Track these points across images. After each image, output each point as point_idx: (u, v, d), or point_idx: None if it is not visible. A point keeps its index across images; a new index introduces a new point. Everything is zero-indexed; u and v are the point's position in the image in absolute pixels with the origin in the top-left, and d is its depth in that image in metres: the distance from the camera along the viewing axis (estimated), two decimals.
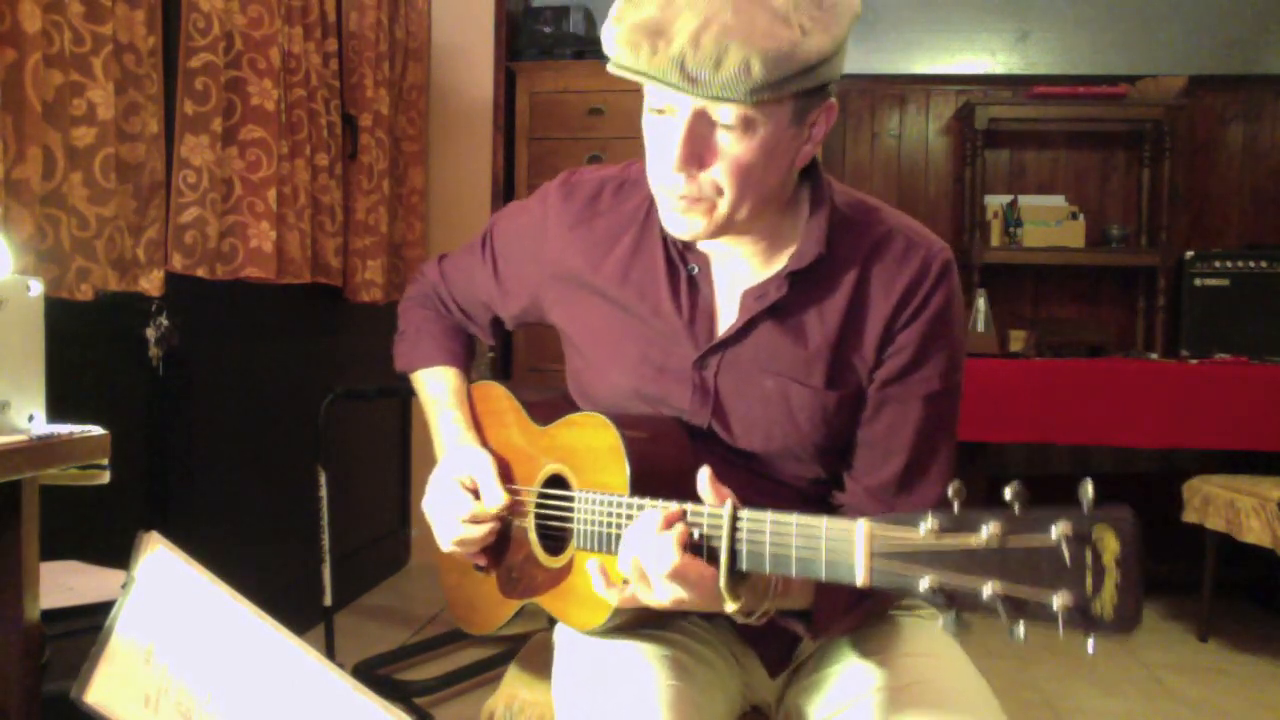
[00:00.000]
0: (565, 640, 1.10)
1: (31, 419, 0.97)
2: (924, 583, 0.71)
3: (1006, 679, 2.60)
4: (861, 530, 0.76)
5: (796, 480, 1.09)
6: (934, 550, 0.72)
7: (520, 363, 3.73)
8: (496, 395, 1.25)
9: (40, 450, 0.95)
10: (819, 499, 1.09)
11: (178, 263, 2.14)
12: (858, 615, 1.04)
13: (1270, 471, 2.91)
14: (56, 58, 1.74)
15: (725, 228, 0.99)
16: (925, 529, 0.72)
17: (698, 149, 0.93)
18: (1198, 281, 3.74)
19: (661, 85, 0.91)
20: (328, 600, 2.31)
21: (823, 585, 0.94)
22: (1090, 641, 0.67)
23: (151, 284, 2.04)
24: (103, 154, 1.85)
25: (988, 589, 0.69)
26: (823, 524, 0.79)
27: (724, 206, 0.96)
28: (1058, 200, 3.96)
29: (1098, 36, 4.00)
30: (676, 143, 0.93)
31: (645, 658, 1.00)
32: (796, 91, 0.91)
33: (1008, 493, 0.70)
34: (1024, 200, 3.92)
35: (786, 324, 1.05)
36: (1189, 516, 2.92)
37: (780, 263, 1.05)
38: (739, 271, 1.07)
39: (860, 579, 0.76)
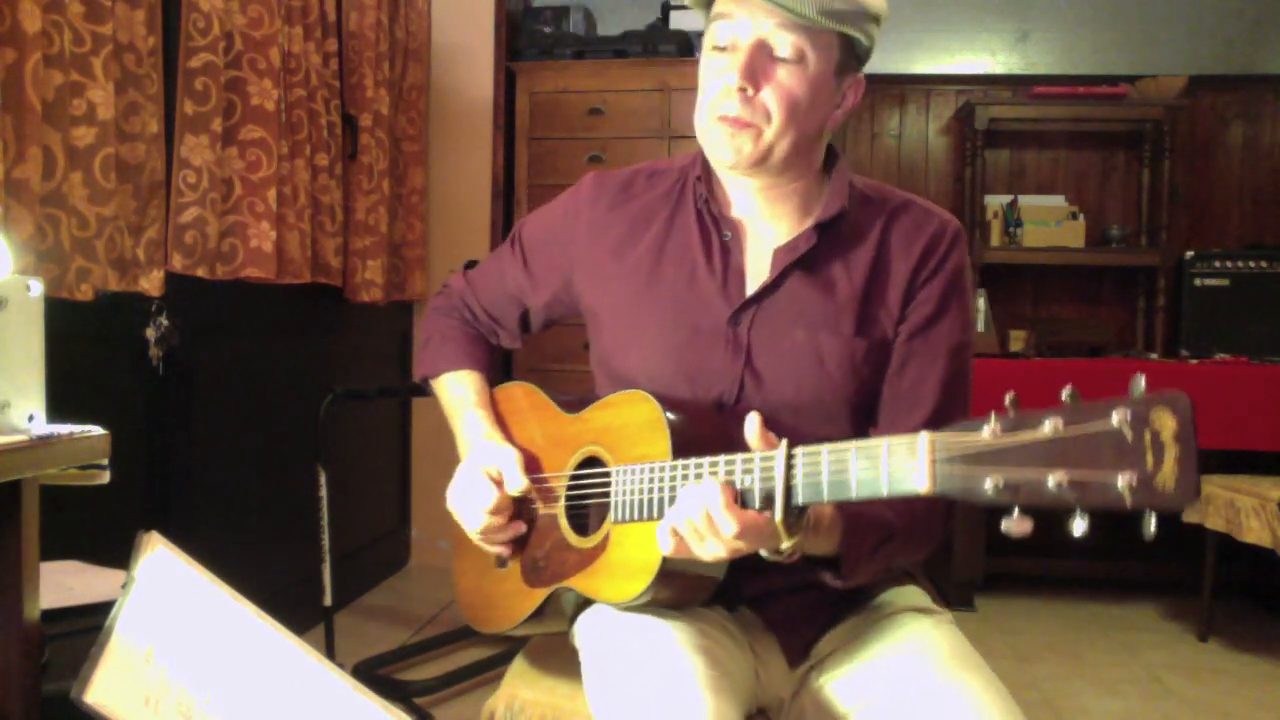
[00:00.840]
0: (591, 633, 1.10)
1: (31, 419, 0.97)
2: (988, 481, 0.74)
3: (1006, 679, 2.58)
4: (924, 438, 0.79)
5: (826, 441, 1.10)
6: (997, 449, 0.74)
7: (520, 363, 3.73)
8: (518, 394, 1.27)
9: (40, 450, 0.95)
10: None
11: (178, 263, 2.14)
12: (882, 559, 1.06)
13: (1270, 471, 2.91)
14: (56, 58, 1.74)
15: (766, 157, 1.08)
16: (988, 430, 0.75)
17: (757, 71, 1.05)
18: (1198, 281, 3.74)
19: None
20: (328, 600, 2.31)
21: (851, 526, 0.99)
22: (1152, 520, 0.69)
23: (151, 284, 2.04)
24: (103, 154, 1.85)
25: (1053, 478, 0.71)
26: (884, 441, 0.82)
27: (769, 134, 1.07)
28: (1058, 200, 3.96)
29: (1098, 36, 4.00)
30: (740, 62, 1.05)
31: (680, 645, 1.00)
32: (844, 36, 1.06)
33: (1064, 394, 0.74)
34: (1024, 200, 3.92)
35: (816, 277, 1.12)
36: (1189, 516, 2.92)
37: (807, 226, 1.14)
38: (770, 236, 1.15)
39: (925, 485, 0.78)
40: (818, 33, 1.05)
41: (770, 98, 1.05)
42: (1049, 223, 3.88)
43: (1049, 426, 0.72)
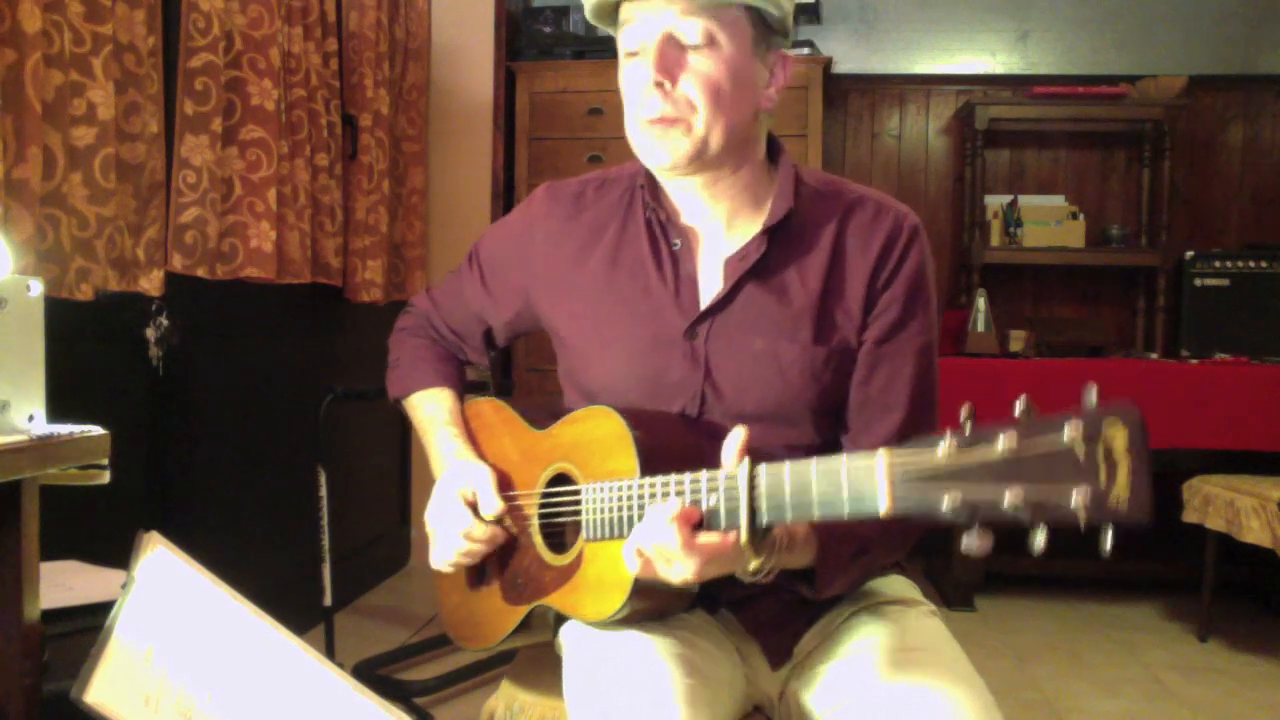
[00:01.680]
0: (573, 643, 1.10)
1: (31, 419, 0.97)
2: (946, 501, 0.73)
3: (1006, 679, 2.60)
4: (881, 459, 0.78)
5: (792, 452, 1.09)
6: (953, 468, 0.74)
7: (520, 363, 3.73)
8: (487, 411, 1.27)
9: (40, 450, 0.95)
10: None
11: (178, 263, 2.14)
12: (858, 570, 1.06)
13: (1270, 471, 2.91)
14: (56, 58, 1.74)
15: (702, 150, 1.05)
16: (943, 449, 0.74)
17: (669, 65, 1.03)
18: (1198, 281, 3.74)
19: None
20: (328, 600, 2.31)
21: (825, 540, 0.98)
22: (1108, 536, 0.69)
23: (151, 284, 2.04)
24: (103, 154, 1.85)
25: (1008, 496, 0.71)
26: (841, 460, 0.82)
27: (699, 125, 1.04)
28: (1058, 200, 3.96)
29: (1098, 36, 4.00)
30: (651, 61, 1.03)
31: (659, 655, 1.00)
32: (752, 6, 1.04)
33: (1017, 407, 0.73)
34: (1024, 200, 3.92)
35: (770, 286, 1.10)
36: (1189, 516, 2.92)
37: (756, 228, 1.11)
38: (719, 242, 1.13)
39: (884, 507, 0.78)
40: (723, 11, 1.03)
41: (690, 87, 1.03)
42: (1049, 223, 3.88)
43: (1002, 443, 0.72)
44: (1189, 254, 3.77)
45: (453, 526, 1.15)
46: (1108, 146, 4.03)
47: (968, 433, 0.74)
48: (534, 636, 1.21)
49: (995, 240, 3.87)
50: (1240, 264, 3.71)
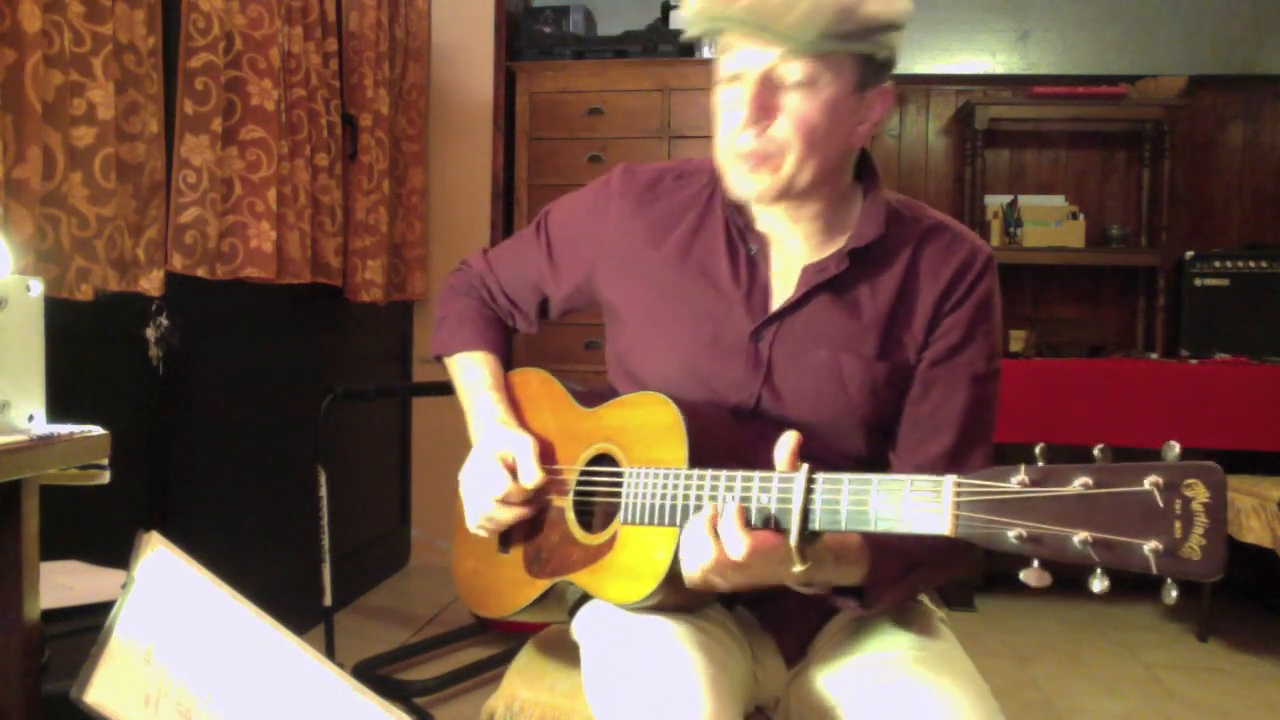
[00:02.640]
0: (592, 628, 1.10)
1: (31, 419, 0.97)
2: (1012, 532, 0.74)
3: (1007, 679, 2.60)
4: (949, 482, 0.79)
5: (841, 461, 1.10)
6: (1023, 499, 0.75)
7: (519, 362, 3.73)
8: (534, 381, 1.26)
9: (40, 450, 0.95)
10: None
11: (178, 263, 2.14)
12: (908, 586, 1.06)
13: (1270, 471, 2.91)
14: (56, 58, 1.74)
15: (787, 190, 1.05)
16: (1015, 481, 0.75)
17: (766, 104, 1.01)
18: (1198, 281, 3.74)
19: (738, 29, 0.99)
20: (328, 600, 2.31)
21: (877, 555, 0.98)
22: (1173, 591, 0.71)
23: (151, 284, 2.04)
24: (103, 154, 1.85)
25: (1079, 536, 0.72)
26: (908, 479, 0.82)
27: (788, 166, 1.03)
28: (1058, 200, 3.96)
29: (1098, 36, 4.00)
30: (747, 98, 1.01)
31: (681, 642, 1.00)
32: (857, 53, 1.01)
33: (1096, 451, 0.74)
34: (1024, 200, 3.92)
35: (841, 299, 1.10)
36: None
37: (837, 244, 1.11)
38: (796, 252, 1.13)
39: (946, 528, 0.79)
40: (828, 55, 1.00)
41: (785, 128, 1.02)
42: (1049, 223, 3.88)
43: (1079, 483, 0.73)
44: (1189, 254, 3.77)
45: (489, 489, 1.14)
46: (1108, 146, 4.03)
47: (1042, 467, 0.75)
48: (547, 615, 1.21)
49: (995, 240, 3.87)
50: (1240, 264, 3.71)
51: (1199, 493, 0.70)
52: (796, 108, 1.01)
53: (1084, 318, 3.97)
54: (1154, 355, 3.64)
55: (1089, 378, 3.09)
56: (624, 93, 3.55)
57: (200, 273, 2.20)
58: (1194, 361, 3.22)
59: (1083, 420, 3.00)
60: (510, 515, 1.15)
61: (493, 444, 1.17)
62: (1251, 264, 3.70)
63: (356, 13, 2.99)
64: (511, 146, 3.68)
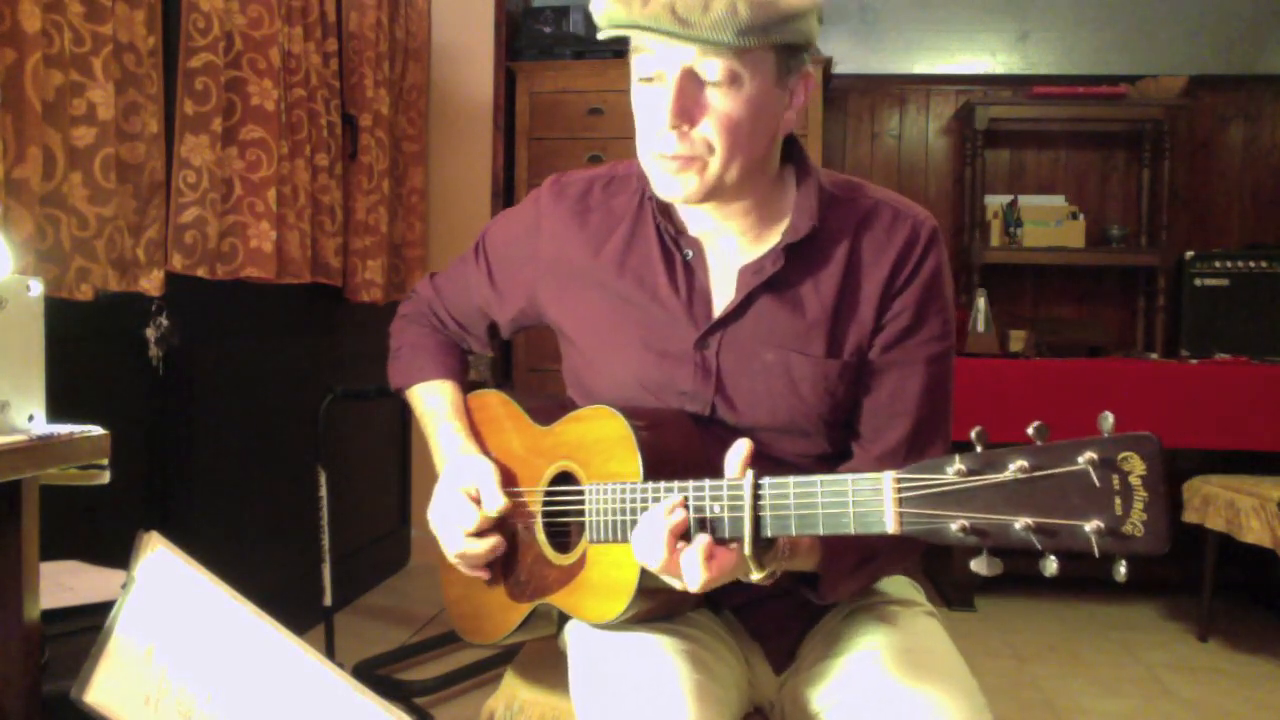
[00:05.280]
0: (578, 639, 1.10)
1: (31, 419, 0.97)
2: (954, 525, 0.73)
3: (1006, 678, 2.60)
4: (888, 479, 0.78)
5: (802, 460, 1.10)
6: (962, 490, 0.74)
7: (520, 363, 3.73)
8: (493, 403, 1.25)
9: (40, 450, 0.95)
10: None
11: (178, 263, 2.14)
12: (864, 577, 1.06)
13: (1270, 471, 2.91)
14: (56, 58, 1.74)
15: (716, 188, 1.02)
16: (952, 472, 0.74)
17: (688, 105, 0.97)
18: (1198, 281, 3.74)
19: (653, 34, 0.95)
20: (328, 600, 2.31)
21: (830, 548, 0.97)
22: (1122, 567, 0.70)
23: (151, 284, 2.04)
24: (103, 154, 1.85)
25: (1019, 522, 0.71)
26: (848, 479, 0.81)
27: (715, 165, 1.00)
28: (1058, 200, 3.96)
29: (1098, 36, 4.00)
30: (668, 101, 0.97)
31: (666, 651, 1.00)
32: (778, 44, 0.97)
33: (1030, 430, 0.73)
34: (1024, 200, 3.92)
35: (783, 297, 1.08)
36: (1189, 516, 2.92)
37: (773, 239, 1.09)
38: (732, 252, 1.10)
39: (891, 527, 0.78)
40: (747, 51, 0.96)
41: (709, 129, 0.98)
42: (1049, 223, 3.88)
43: (1015, 468, 0.71)
44: (1189, 254, 3.77)
45: (456, 523, 1.14)
46: (1108, 146, 4.03)
47: (978, 454, 0.74)
48: (538, 632, 1.21)
49: (995, 240, 3.87)
50: (1240, 264, 3.71)
51: (1135, 465, 0.69)
52: (719, 106, 0.97)
53: (1084, 318, 3.97)
54: (1154, 355, 3.64)
55: (1089, 378, 3.09)
56: (624, 93, 3.48)
57: (200, 273, 2.20)
58: (1194, 361, 3.22)
59: (1083, 420, 2.99)
60: (484, 547, 1.13)
61: (455, 478, 1.16)
62: (1251, 264, 3.70)
63: (356, 13, 2.99)
64: (511, 146, 3.69)
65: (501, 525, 1.16)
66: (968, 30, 4.06)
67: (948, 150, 4.09)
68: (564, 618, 1.16)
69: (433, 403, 1.27)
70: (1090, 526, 0.69)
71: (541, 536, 1.13)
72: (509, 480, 1.17)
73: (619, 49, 3.98)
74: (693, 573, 0.87)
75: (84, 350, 1.93)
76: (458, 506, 1.14)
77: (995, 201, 3.92)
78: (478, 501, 1.14)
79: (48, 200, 1.74)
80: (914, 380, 1.07)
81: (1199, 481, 2.93)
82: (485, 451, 1.21)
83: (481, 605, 1.22)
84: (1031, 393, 3.05)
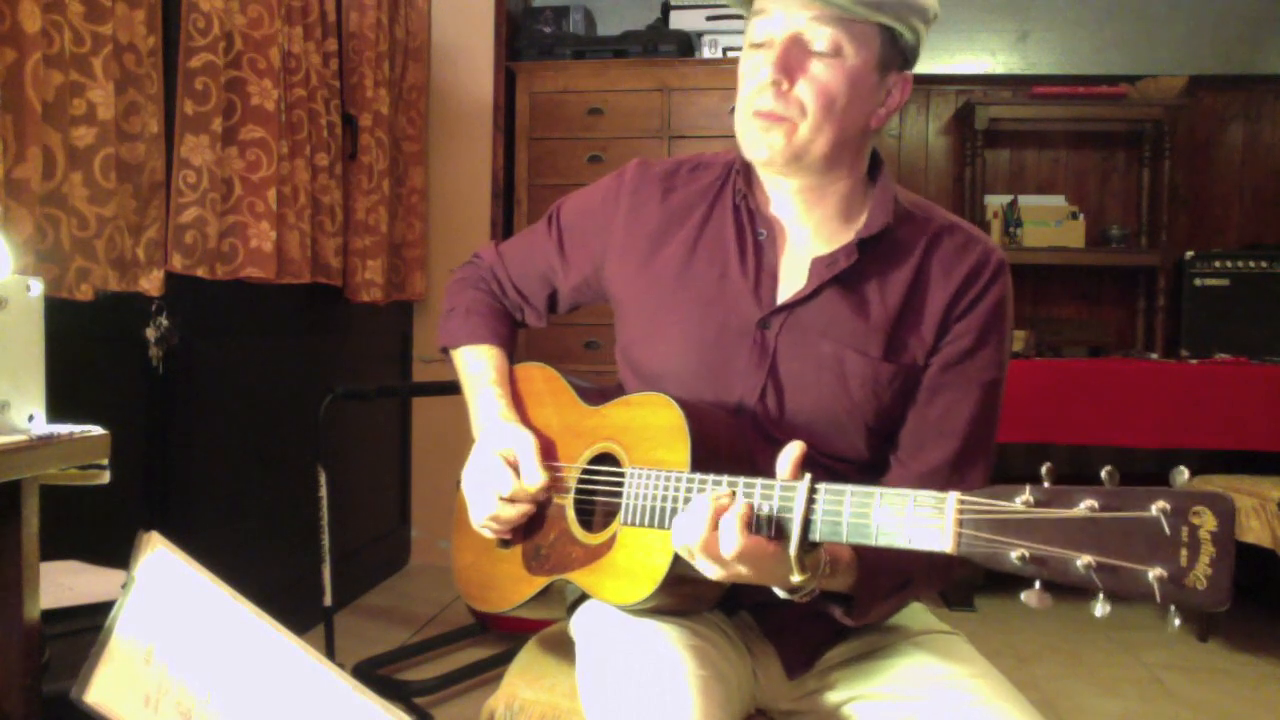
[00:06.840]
0: (588, 628, 1.10)
1: (31, 419, 0.97)
2: (1014, 553, 0.74)
3: (1007, 679, 2.60)
4: (953, 499, 0.78)
5: (840, 465, 1.10)
6: (1025, 520, 0.74)
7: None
8: (537, 376, 1.26)
9: (40, 450, 0.95)
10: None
11: (178, 263, 2.14)
12: (896, 601, 1.06)
13: (1270, 471, 2.91)
14: (56, 58, 1.74)
15: (801, 154, 1.05)
16: (1019, 501, 0.74)
17: (791, 65, 1.03)
18: (1198, 281, 3.74)
19: None
20: (328, 600, 2.31)
21: (867, 568, 0.97)
22: (1177, 620, 0.71)
23: (151, 284, 2.04)
24: (103, 154, 1.85)
25: (1081, 560, 0.71)
26: (910, 494, 0.82)
27: (805, 129, 1.04)
28: (1058, 200, 3.96)
29: (1098, 36, 4.00)
30: (772, 58, 1.03)
31: (674, 644, 1.00)
32: (886, 25, 1.04)
33: (1103, 473, 0.73)
34: (1024, 200, 3.92)
35: (850, 295, 1.10)
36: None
37: (846, 238, 1.11)
38: (805, 242, 1.13)
39: (948, 546, 0.78)
40: (856, 25, 1.02)
41: (805, 92, 1.03)
42: (1049, 223, 3.88)
43: (1085, 506, 0.72)
44: (1189, 254, 3.77)
45: (495, 486, 1.13)
46: (1108, 146, 4.03)
47: (1048, 488, 0.74)
48: (545, 611, 1.20)
49: (995, 240, 3.87)
50: (1240, 264, 3.71)
51: (1207, 521, 0.69)
52: (819, 74, 1.03)
53: (1084, 318, 3.97)
54: (1154, 355, 3.64)
55: (1089, 378, 3.09)
56: (624, 93, 3.55)
57: (200, 273, 2.20)
58: (1194, 361, 3.22)
59: (1083, 420, 3.00)
60: (515, 513, 1.14)
61: (494, 441, 1.16)
62: (1251, 264, 3.70)
63: (356, 13, 2.99)
64: (511, 146, 3.69)
65: (535, 497, 1.15)
66: (968, 30, 4.06)
67: (948, 150, 4.09)
68: (574, 604, 1.16)
69: (477, 366, 1.27)
70: (1154, 574, 0.69)
71: (571, 513, 1.13)
72: (546, 454, 1.17)
73: (620, 49, 3.96)
74: (729, 537, 0.87)
75: (84, 350, 1.93)
76: (496, 470, 1.13)
77: (995, 201, 3.92)
78: (515, 468, 1.13)
79: (48, 200, 1.74)
80: (966, 403, 1.08)
81: (1199, 481, 2.93)
82: (525, 422, 1.21)
83: (492, 574, 1.21)
84: (1032, 393, 3.05)
